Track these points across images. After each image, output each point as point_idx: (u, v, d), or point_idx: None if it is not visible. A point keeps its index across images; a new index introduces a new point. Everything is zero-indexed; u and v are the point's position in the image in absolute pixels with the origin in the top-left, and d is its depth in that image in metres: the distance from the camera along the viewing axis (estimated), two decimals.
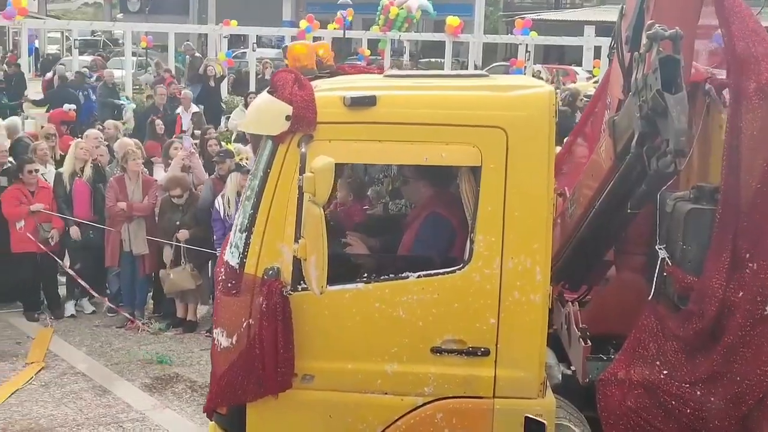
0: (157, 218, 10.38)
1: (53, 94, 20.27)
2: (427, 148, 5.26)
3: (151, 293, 10.87)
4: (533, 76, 32.93)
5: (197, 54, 27.02)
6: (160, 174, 10.85)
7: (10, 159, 10.88)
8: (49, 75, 25.90)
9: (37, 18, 40.78)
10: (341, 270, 5.40)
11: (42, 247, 10.30)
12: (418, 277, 5.28)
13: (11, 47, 45.42)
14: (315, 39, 35.37)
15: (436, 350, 5.27)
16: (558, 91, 16.90)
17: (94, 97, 21.12)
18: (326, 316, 5.28)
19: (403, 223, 6.26)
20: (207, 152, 11.95)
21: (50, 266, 10.66)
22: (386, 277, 5.36)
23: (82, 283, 10.42)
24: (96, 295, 10.66)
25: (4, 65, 27.10)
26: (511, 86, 5.64)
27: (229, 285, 5.36)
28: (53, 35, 49.91)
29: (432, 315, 5.26)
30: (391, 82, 5.90)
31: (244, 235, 5.34)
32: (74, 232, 10.45)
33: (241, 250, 5.31)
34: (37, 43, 41.47)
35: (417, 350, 5.28)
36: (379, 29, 34.85)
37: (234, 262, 5.37)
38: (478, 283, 5.24)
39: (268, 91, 5.47)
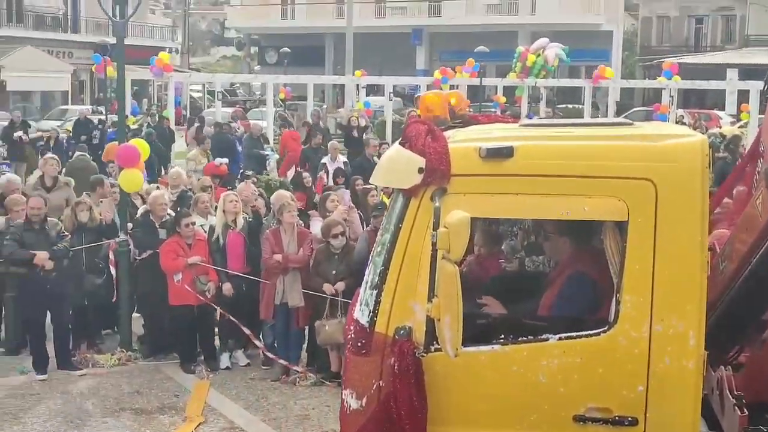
0: (311, 268, 10.28)
1: (214, 141, 20.66)
2: (568, 202, 4.93)
3: (306, 345, 10.77)
4: (676, 122, 32.03)
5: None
6: (316, 227, 10.78)
7: (170, 212, 10.99)
8: (193, 126, 26.72)
9: (182, 72, 42.29)
10: (476, 330, 5.11)
11: (200, 298, 10.33)
12: (560, 339, 4.94)
13: (156, 100, 47.25)
14: (452, 87, 35.42)
15: (579, 419, 4.89)
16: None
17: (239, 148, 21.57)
18: (460, 380, 4.97)
19: (543, 281, 5.90)
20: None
21: (207, 318, 10.72)
22: (525, 338, 5.02)
23: (246, 330, 10.38)
24: (259, 343, 10.60)
25: (148, 117, 28.06)
26: (660, 135, 5.21)
27: (359, 344, 5.13)
28: (194, 87, 51.46)
29: (574, 380, 4.89)
30: (528, 132, 5.60)
31: (375, 292, 5.10)
32: (227, 289, 10.47)
33: (372, 308, 5.09)
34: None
35: (558, 418, 4.91)
36: (516, 76, 34.56)
37: (364, 320, 5.14)
38: (624, 347, 4.85)
39: (400, 143, 5.28)
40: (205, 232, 10.83)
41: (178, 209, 11.26)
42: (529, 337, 5.01)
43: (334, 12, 57.49)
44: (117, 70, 12.02)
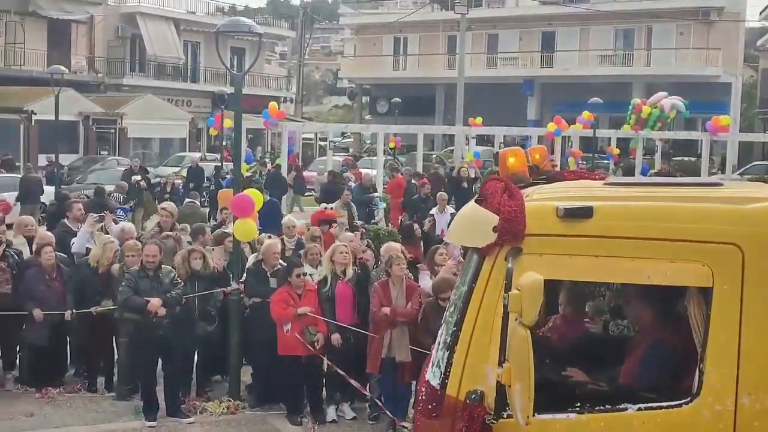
0: (420, 323, 10.12)
1: (326, 190, 20.88)
2: (649, 266, 4.71)
3: (413, 401, 10.58)
4: None
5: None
6: (425, 281, 10.65)
7: (281, 261, 11.03)
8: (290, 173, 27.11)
9: (295, 120, 43.07)
10: (553, 397, 4.89)
11: (309, 349, 10.29)
12: (639, 409, 4.70)
13: (269, 148, 48.19)
14: (563, 138, 35.04)
15: None
16: None
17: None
18: None
19: (625, 347, 5.63)
20: None
21: (314, 369, 10.66)
22: (602, 408, 4.77)
23: (353, 382, 10.27)
24: (367, 393, 10.47)
25: (261, 166, 28.59)
26: (747, 198, 4.99)
27: (430, 407, 4.99)
28: (306, 136, 52.32)
29: None
30: (610, 191, 5.41)
31: (447, 353, 4.97)
32: (335, 339, 10.39)
33: (443, 370, 4.95)
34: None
35: None
36: (630, 128, 33.99)
37: (435, 382, 5.02)
38: (707, 421, 4.60)
39: (476, 200, 5.13)
40: (314, 282, 10.82)
41: (287, 259, 11.31)
42: (607, 406, 4.79)
43: (445, 63, 57.83)
44: (234, 119, 12.20)
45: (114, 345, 11.46)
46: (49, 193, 25.67)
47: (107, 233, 12.64)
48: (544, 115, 51.27)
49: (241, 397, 11.13)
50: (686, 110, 36.14)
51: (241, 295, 11.13)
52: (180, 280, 10.71)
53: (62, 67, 29.12)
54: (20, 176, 26.87)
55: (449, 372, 4.90)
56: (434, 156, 42.73)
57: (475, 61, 54.02)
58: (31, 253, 12.02)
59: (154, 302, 10.26)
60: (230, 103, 28.80)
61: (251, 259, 11.73)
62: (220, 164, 30.46)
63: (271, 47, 76.32)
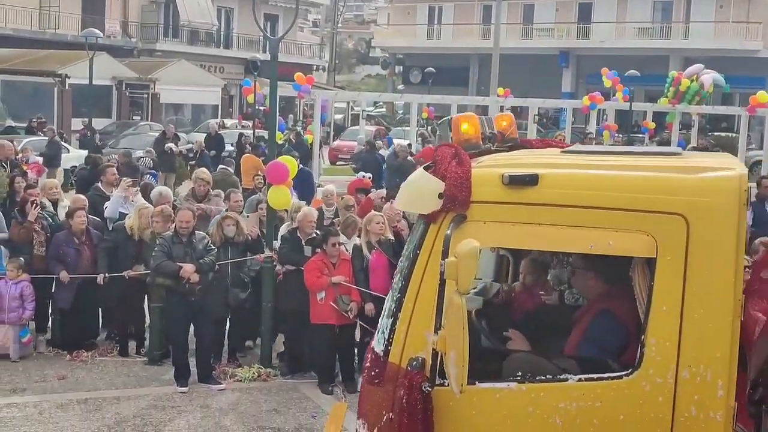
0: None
1: (363, 159, 20.79)
2: (593, 235, 4.60)
3: None
4: None
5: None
6: None
7: (316, 231, 10.92)
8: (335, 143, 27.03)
9: (328, 89, 42.89)
10: (496, 366, 4.90)
11: (342, 317, 10.20)
12: (580, 380, 4.61)
13: (302, 116, 48.07)
14: (599, 111, 34.60)
15: None
16: None
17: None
18: (473, 418, 4.66)
19: (573, 317, 5.48)
20: None
21: (347, 339, 10.57)
22: (543, 378, 4.69)
23: None
24: None
25: (290, 136, 28.48)
26: (698, 168, 4.79)
27: (373, 374, 4.90)
28: (339, 105, 52.19)
29: (593, 426, 4.54)
30: (562, 159, 5.26)
31: (390, 321, 4.86)
32: (369, 309, 10.28)
33: (387, 337, 4.86)
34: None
35: None
36: (668, 102, 33.49)
37: (379, 349, 4.91)
38: (647, 393, 4.49)
39: (425, 167, 5.00)
40: (348, 251, 10.70)
41: (324, 228, 11.20)
42: (547, 376, 4.71)
43: (480, 33, 57.34)
44: (270, 86, 12.04)
45: (146, 310, 11.42)
46: (81, 157, 25.76)
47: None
48: (579, 87, 50.81)
49: (272, 364, 11.07)
50: (726, 85, 35.52)
51: (275, 263, 11.04)
52: (214, 247, 10.64)
53: (97, 31, 29.14)
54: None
55: (392, 339, 4.82)
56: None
57: (510, 32, 53.51)
58: (57, 216, 11.98)
59: (187, 268, 10.20)
60: (263, 70, 28.66)
61: (284, 227, 11.63)
62: (251, 131, 30.39)
63: (304, 14, 76.03)
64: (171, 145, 25.48)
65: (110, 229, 11.92)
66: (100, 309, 11.92)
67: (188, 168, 25.23)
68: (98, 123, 33.70)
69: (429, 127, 37.65)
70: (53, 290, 11.48)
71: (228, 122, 41.89)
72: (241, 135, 30.08)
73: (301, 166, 16.18)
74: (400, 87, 60.85)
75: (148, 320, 11.51)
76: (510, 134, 5.96)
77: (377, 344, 4.99)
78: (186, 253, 10.34)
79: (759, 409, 5.33)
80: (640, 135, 37.11)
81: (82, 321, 11.60)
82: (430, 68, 47.51)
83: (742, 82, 43.31)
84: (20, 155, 19.77)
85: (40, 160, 22.47)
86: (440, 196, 4.72)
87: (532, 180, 4.68)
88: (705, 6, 51.89)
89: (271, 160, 11.61)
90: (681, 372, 4.48)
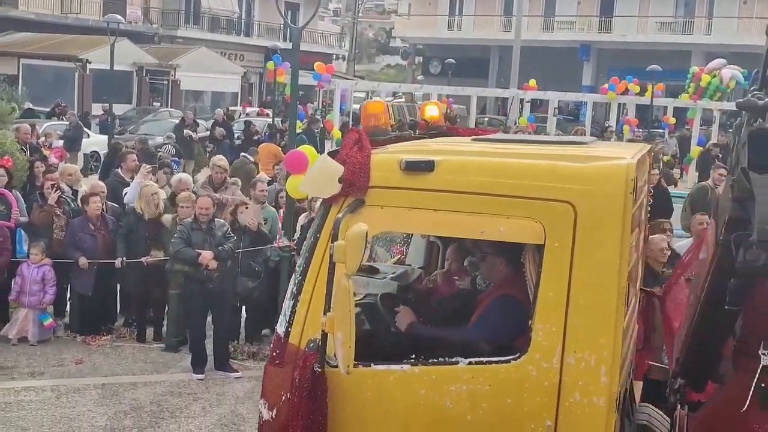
0: None
1: None
2: (484, 221, 4.66)
3: None
4: None
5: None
6: None
7: None
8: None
9: (348, 78, 42.87)
10: (389, 347, 5.01)
11: None
12: (470, 363, 4.67)
13: (321, 105, 48.08)
14: (619, 106, 34.43)
15: None
16: None
17: None
18: (368, 399, 4.74)
19: (476, 302, 5.52)
20: None
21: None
22: (435, 360, 4.75)
23: None
24: None
25: (312, 123, 28.51)
26: (589, 157, 4.87)
27: (274, 355, 4.98)
28: (358, 95, 52.15)
29: (482, 409, 4.61)
30: (466, 147, 5.33)
31: (292, 303, 4.92)
32: None
33: (288, 319, 4.92)
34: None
35: None
36: (689, 97, 33.28)
37: (281, 330, 4.97)
38: (534, 377, 4.54)
39: (330, 153, 5.08)
40: None
41: None
42: (440, 359, 4.76)
43: (500, 24, 57.15)
44: (291, 75, 12.04)
45: (164, 296, 11.46)
46: (101, 142, 25.87)
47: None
48: (600, 81, 50.50)
49: None
50: (745, 81, 35.22)
51: (293, 253, 11.04)
52: (232, 234, 10.66)
53: (118, 17, 29.19)
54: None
55: (293, 321, 4.89)
56: (486, 119, 42.31)
57: (531, 24, 53.29)
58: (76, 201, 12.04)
59: (206, 255, 10.23)
60: (283, 58, 28.63)
61: (303, 216, 11.63)
62: (272, 121, 30.40)
63: (324, 3, 75.95)
64: (189, 131, 25.53)
65: None
66: (118, 294, 11.96)
67: (207, 155, 25.30)
68: (118, 109, 33.81)
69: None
70: (71, 275, 11.53)
71: (248, 110, 41.92)
72: (248, 123, 30.09)
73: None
74: (420, 78, 60.72)
75: (166, 307, 11.54)
76: (437, 122, 6.06)
77: (279, 326, 5.05)
78: (205, 240, 10.37)
79: (676, 398, 5.49)
80: (660, 130, 36.90)
81: (99, 306, 11.66)
82: (450, 59, 47.39)
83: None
84: (42, 139, 19.87)
85: (62, 144, 22.56)
86: (340, 180, 4.80)
87: (428, 166, 4.74)
88: (728, 1, 51.50)
89: (291, 149, 11.60)
90: (567, 357, 4.53)
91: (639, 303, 6.47)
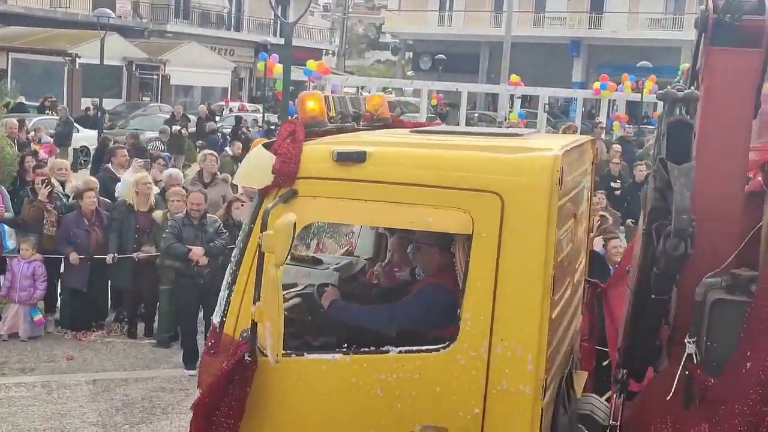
0: None
1: None
2: (413, 211, 4.71)
3: None
4: None
5: None
6: None
7: None
8: None
9: (338, 74, 42.81)
10: (321, 337, 5.10)
11: None
12: (400, 352, 4.73)
13: None
14: (609, 102, 34.44)
15: None
16: None
17: None
18: (300, 388, 4.82)
19: (407, 291, 5.58)
20: None
21: None
22: (366, 350, 4.81)
23: None
24: None
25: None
26: (518, 148, 4.92)
27: (209, 344, 5.05)
28: (348, 90, 52.12)
29: (411, 397, 4.67)
30: (399, 138, 5.41)
31: (227, 293, 4.98)
32: None
33: (223, 309, 4.98)
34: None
35: None
36: None
37: (216, 321, 5.03)
38: (462, 366, 4.60)
39: (264, 144, 5.12)
40: None
41: None
42: (371, 348, 4.83)
43: (491, 20, 57.14)
44: (283, 70, 12.03)
45: (155, 292, 11.43)
46: (90, 137, 25.77)
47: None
48: (590, 77, 50.59)
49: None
50: None
51: None
52: (225, 230, 10.62)
53: (108, 11, 29.10)
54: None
55: (227, 311, 4.93)
56: (476, 114, 42.32)
57: (521, 20, 53.30)
58: (67, 197, 11.98)
59: (197, 251, 10.20)
60: (273, 53, 28.57)
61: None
62: (262, 116, 30.36)
63: None
64: (177, 127, 25.45)
65: None
66: (109, 290, 11.93)
67: (197, 150, 25.24)
68: (108, 103, 33.71)
69: (438, 115, 37.54)
70: (62, 271, 11.48)
71: (231, 105, 41.83)
72: (239, 119, 29.98)
73: None
74: (410, 73, 60.71)
75: (158, 302, 11.50)
76: (380, 114, 6.11)
77: (215, 316, 5.09)
78: (196, 235, 10.34)
79: (619, 388, 5.57)
80: (651, 126, 36.96)
81: (91, 302, 11.61)
82: (441, 55, 47.39)
83: None
84: (32, 134, 19.77)
85: (52, 139, 22.47)
86: (273, 171, 4.84)
87: (359, 157, 4.78)
88: None
89: None
90: (494, 346, 4.58)
91: (584, 294, 6.56)
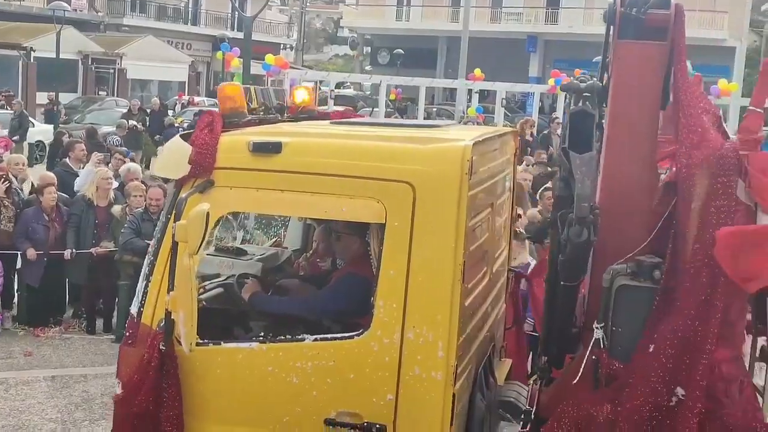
0: None
1: None
2: (328, 201, 4.79)
3: None
4: None
5: None
6: None
7: None
8: None
9: (297, 69, 42.72)
10: (245, 327, 5.16)
11: None
12: (315, 340, 4.81)
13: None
14: (566, 97, 34.76)
15: (330, 422, 4.76)
16: None
17: None
18: (218, 376, 4.87)
19: (329, 281, 5.67)
20: None
21: None
22: (282, 338, 4.90)
23: None
24: None
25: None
26: (431, 139, 5.02)
27: (127, 335, 5.09)
28: (307, 85, 51.94)
29: (327, 384, 4.76)
30: (318, 130, 5.49)
31: (144, 283, 5.03)
32: None
33: (140, 299, 5.01)
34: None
35: (310, 421, 4.79)
36: None
37: (134, 311, 5.08)
38: (376, 353, 4.69)
39: (181, 135, 5.19)
40: None
41: None
42: (287, 336, 4.92)
43: (448, 15, 57.29)
44: (243, 65, 12.02)
45: (114, 287, 11.37)
46: (46, 131, 25.48)
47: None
48: (546, 72, 50.92)
49: None
50: (692, 70, 35.82)
51: None
52: None
53: (64, 4, 28.80)
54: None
55: (145, 301, 4.97)
56: (434, 109, 42.46)
57: (479, 15, 53.49)
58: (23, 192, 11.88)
59: None
60: (231, 47, 28.41)
61: None
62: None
63: None
64: (134, 122, 25.25)
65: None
66: (67, 286, 11.86)
67: (155, 145, 25.07)
68: (64, 97, 33.35)
69: (396, 110, 37.62)
70: (20, 266, 11.39)
71: (196, 99, 41.59)
72: (199, 113, 29.72)
73: None
74: (368, 68, 60.72)
75: (117, 298, 11.46)
76: (306, 106, 6.17)
77: (133, 306, 5.13)
78: (155, 230, 10.29)
79: (542, 374, 5.70)
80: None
81: (48, 297, 11.53)
82: (399, 49, 47.47)
83: (707, 70, 43.59)
84: None
85: (6, 133, 22.20)
86: (189, 162, 4.87)
87: (275, 147, 4.83)
88: None
89: None
90: (406, 333, 4.66)
91: (508, 284, 6.68)
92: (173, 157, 5.07)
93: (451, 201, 4.65)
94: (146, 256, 5.21)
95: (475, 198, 4.89)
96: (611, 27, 5.40)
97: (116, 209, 11.27)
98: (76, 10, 43.35)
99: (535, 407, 5.54)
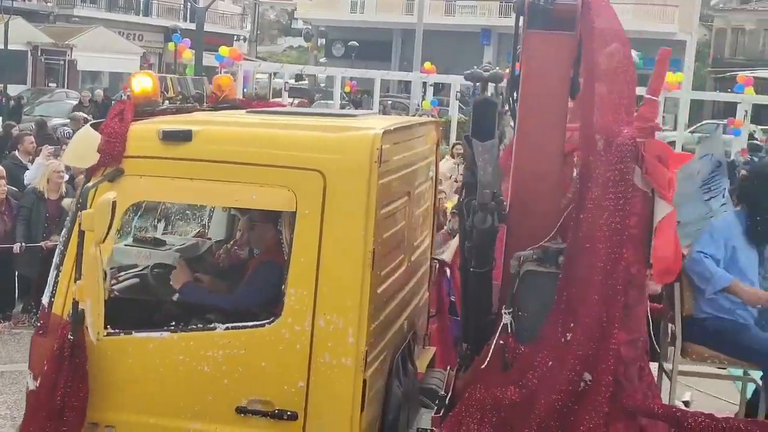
0: None
1: None
2: (238, 189, 4.84)
3: None
4: (750, 137, 31.21)
5: None
6: None
7: None
8: None
9: (251, 60, 42.46)
10: (157, 316, 5.23)
11: None
12: (227, 329, 4.85)
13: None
14: None
15: (241, 410, 4.79)
16: None
17: None
18: (130, 366, 4.89)
19: (243, 270, 5.76)
20: None
21: None
22: (194, 327, 4.98)
23: None
24: None
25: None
26: (343, 127, 5.07)
27: (39, 325, 5.09)
28: (260, 76, 51.73)
29: (238, 373, 4.81)
30: (231, 118, 5.51)
31: (55, 273, 5.03)
32: None
33: (51, 289, 5.00)
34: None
35: (221, 410, 4.82)
36: None
37: (46, 301, 5.06)
38: (287, 340, 4.74)
39: (92, 124, 5.18)
40: None
41: None
42: (198, 325, 4.99)
43: (403, 7, 57.32)
44: (195, 56, 11.89)
45: None
46: None
47: None
48: (500, 65, 51.13)
49: None
50: (640, 61, 36.18)
51: None
52: None
53: None
54: None
55: (55, 291, 4.97)
56: (390, 102, 42.48)
57: (433, 8, 53.61)
58: None
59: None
60: (183, 38, 28.13)
61: None
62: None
63: None
64: (84, 114, 24.88)
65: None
66: (17, 280, 11.67)
67: None
68: (12, 89, 32.79)
69: (350, 102, 37.57)
70: None
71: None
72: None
73: None
74: (323, 60, 60.56)
75: None
76: (226, 96, 6.18)
77: (45, 296, 5.10)
78: None
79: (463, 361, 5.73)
80: None
81: None
82: (353, 42, 47.38)
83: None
84: None
85: None
86: (98, 150, 4.88)
87: (185, 136, 4.84)
88: None
89: None
90: (317, 320, 4.71)
91: (431, 272, 6.73)
92: (82, 146, 5.05)
93: (361, 189, 4.68)
94: (57, 248, 5.18)
95: (387, 186, 4.93)
96: (521, 17, 5.43)
97: (67, 202, 11.11)
98: (24, 0, 42.69)
99: (450, 393, 5.56)
